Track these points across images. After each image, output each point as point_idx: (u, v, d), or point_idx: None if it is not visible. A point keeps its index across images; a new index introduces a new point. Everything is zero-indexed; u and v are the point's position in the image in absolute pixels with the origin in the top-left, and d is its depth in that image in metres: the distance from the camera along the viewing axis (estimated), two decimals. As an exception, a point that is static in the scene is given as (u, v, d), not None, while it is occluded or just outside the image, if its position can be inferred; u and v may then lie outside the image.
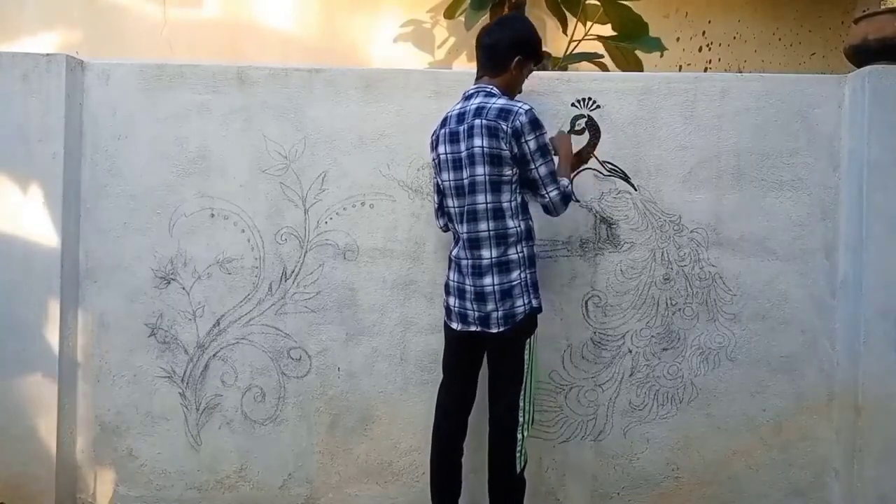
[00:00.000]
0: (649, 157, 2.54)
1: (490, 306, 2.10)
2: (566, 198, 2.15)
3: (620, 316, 2.55)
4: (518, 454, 2.12)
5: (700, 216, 2.54)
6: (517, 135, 2.06)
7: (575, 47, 3.60)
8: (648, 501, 2.56)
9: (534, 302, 2.13)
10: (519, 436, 2.12)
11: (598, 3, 3.44)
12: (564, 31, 3.66)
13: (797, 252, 2.53)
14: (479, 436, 2.25)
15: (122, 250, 2.56)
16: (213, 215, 2.56)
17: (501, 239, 2.10)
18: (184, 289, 2.56)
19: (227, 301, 2.56)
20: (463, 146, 2.13)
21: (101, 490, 2.58)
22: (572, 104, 2.53)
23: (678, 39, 4.29)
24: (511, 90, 2.23)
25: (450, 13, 3.78)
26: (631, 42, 3.42)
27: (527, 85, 2.49)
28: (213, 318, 2.56)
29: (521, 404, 2.12)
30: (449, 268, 2.24)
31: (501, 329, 2.10)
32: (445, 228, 2.36)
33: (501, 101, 2.11)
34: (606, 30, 3.54)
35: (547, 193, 2.11)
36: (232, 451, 2.57)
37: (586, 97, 2.53)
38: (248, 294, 2.56)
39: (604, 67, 3.55)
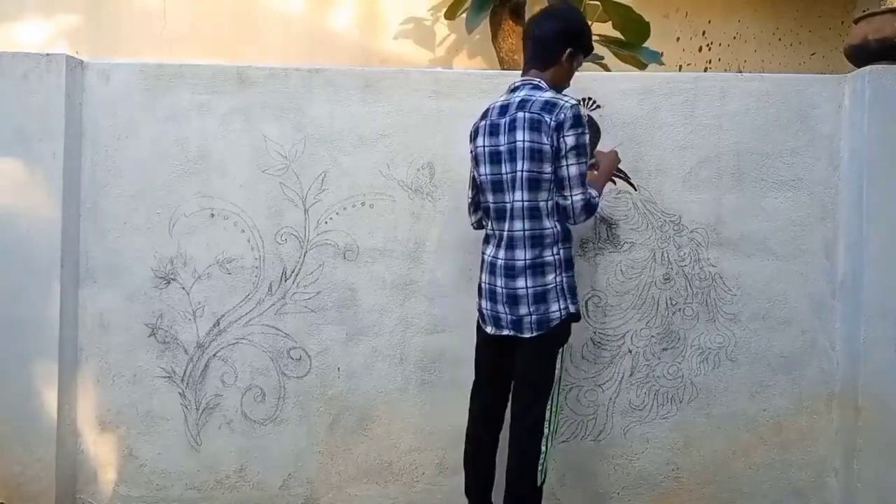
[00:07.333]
0: (649, 157, 2.54)
1: (523, 310, 2.01)
2: (589, 206, 2.03)
3: (620, 316, 2.55)
4: (540, 466, 2.02)
5: (700, 216, 2.54)
6: (559, 128, 1.97)
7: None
8: (648, 501, 2.56)
9: (571, 307, 2.04)
10: (543, 448, 2.02)
11: (598, 2, 3.43)
12: None
13: (797, 252, 2.53)
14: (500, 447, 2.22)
15: (122, 250, 2.56)
16: (213, 215, 2.56)
17: (537, 240, 2.02)
18: (184, 289, 2.56)
19: (227, 301, 2.56)
20: (503, 139, 2.06)
21: (101, 490, 2.58)
22: (572, 104, 2.53)
23: (678, 39, 4.30)
24: (560, 84, 2.13)
25: (450, 14, 3.78)
26: (630, 50, 3.42)
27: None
28: (213, 318, 2.56)
29: (548, 415, 2.04)
30: (481, 269, 2.16)
31: (535, 334, 2.02)
32: (478, 225, 2.27)
33: (548, 94, 2.03)
34: (607, 27, 3.54)
35: (570, 195, 2.00)
36: (232, 451, 2.57)
37: (586, 97, 2.52)
38: (248, 294, 2.56)
39: (605, 68, 3.55)
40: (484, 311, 2.14)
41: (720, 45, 4.36)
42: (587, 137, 2.04)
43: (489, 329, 2.13)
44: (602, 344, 2.55)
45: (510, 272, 2.04)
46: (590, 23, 3.46)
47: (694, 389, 2.55)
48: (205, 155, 2.56)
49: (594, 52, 3.51)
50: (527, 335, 2.03)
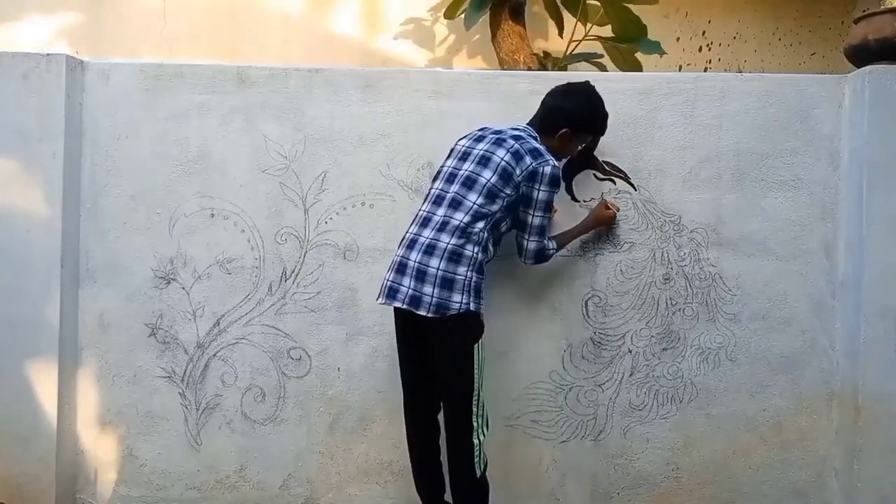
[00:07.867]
0: (649, 157, 2.54)
1: (427, 289, 2.06)
2: (541, 254, 2.24)
3: (620, 316, 2.55)
4: (476, 459, 2.11)
5: (700, 216, 2.54)
6: (533, 177, 2.13)
7: (575, 47, 3.60)
8: (648, 501, 2.56)
9: (472, 305, 2.09)
10: (475, 441, 2.11)
11: (597, 3, 3.44)
12: (560, 34, 3.67)
13: (797, 252, 2.53)
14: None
15: (122, 250, 2.56)
16: (213, 215, 2.56)
17: (466, 234, 2.09)
18: (184, 289, 2.56)
19: (227, 301, 2.56)
20: (482, 146, 2.19)
21: (101, 490, 2.58)
22: (572, 104, 2.53)
23: (678, 39, 4.29)
24: (551, 152, 2.23)
25: (450, 13, 3.79)
26: (630, 44, 3.42)
27: (527, 85, 2.50)
28: (213, 318, 2.56)
29: (474, 409, 2.10)
30: (399, 245, 2.20)
31: (430, 315, 2.06)
32: None
33: (541, 147, 2.19)
34: (606, 32, 3.55)
35: (527, 239, 2.21)
36: (232, 451, 2.57)
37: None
38: (248, 294, 2.56)
39: (603, 68, 3.55)
40: (384, 282, 2.18)
41: (720, 45, 4.35)
42: (554, 196, 2.21)
43: (379, 300, 2.18)
44: (602, 344, 2.55)
45: (430, 250, 2.09)
46: (590, 24, 3.50)
47: (694, 389, 2.55)
48: (205, 155, 2.56)
49: (594, 52, 3.57)
50: (421, 312, 2.07)
